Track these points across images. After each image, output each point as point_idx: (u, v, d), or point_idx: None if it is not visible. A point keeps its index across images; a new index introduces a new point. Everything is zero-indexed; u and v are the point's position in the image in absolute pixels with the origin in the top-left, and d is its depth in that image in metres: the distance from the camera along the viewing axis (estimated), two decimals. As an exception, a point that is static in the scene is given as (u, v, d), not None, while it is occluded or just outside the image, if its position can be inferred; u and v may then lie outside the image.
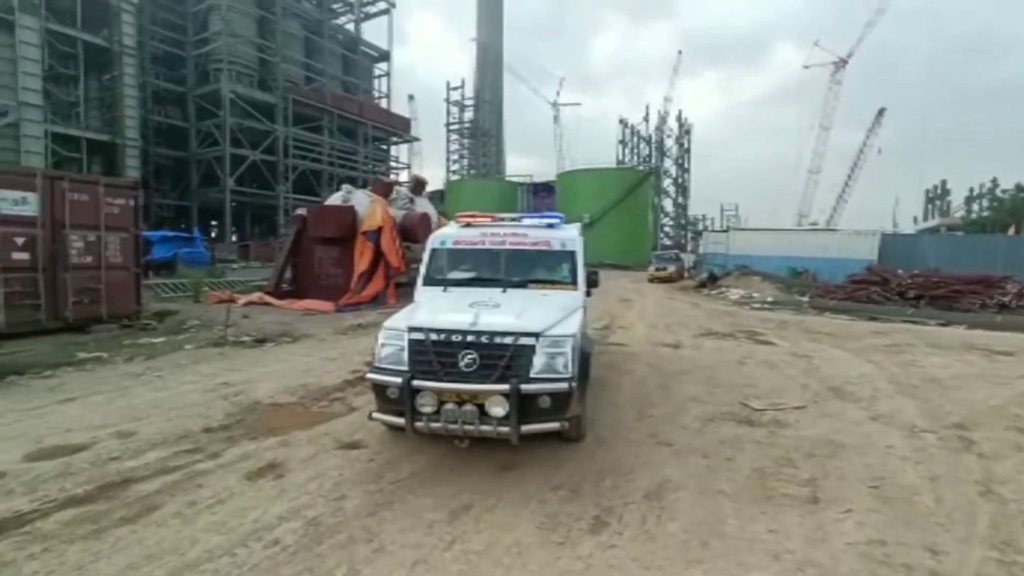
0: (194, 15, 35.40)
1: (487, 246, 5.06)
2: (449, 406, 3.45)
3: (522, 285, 4.77)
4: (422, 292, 4.95)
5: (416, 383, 3.46)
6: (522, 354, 3.58)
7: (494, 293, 4.61)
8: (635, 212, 41.00)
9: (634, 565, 2.60)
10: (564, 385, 3.46)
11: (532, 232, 5.09)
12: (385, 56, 46.62)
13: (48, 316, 8.17)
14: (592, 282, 4.95)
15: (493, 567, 2.57)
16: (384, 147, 48.31)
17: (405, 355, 3.70)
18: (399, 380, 3.47)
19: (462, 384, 3.47)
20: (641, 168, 54.09)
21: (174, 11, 35.13)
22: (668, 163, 66.16)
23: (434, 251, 5.14)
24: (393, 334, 3.80)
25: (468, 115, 67.34)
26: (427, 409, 3.48)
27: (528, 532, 2.89)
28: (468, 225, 5.36)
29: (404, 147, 51.82)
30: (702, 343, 9.04)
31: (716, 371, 6.87)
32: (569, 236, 5.04)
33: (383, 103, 47.52)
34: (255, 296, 12.42)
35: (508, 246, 5.02)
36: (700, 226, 63.54)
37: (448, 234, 5.21)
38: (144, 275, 17.24)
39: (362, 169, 42.38)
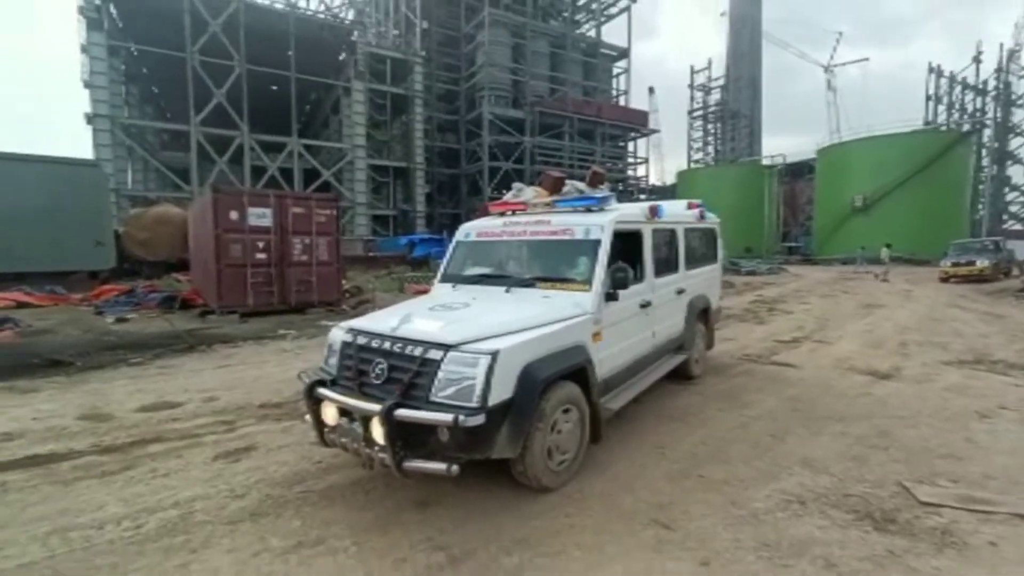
0: (465, 55, 42.14)
1: (505, 238, 4.37)
2: (343, 421, 3.00)
3: (531, 284, 3.90)
4: (435, 289, 4.55)
5: (318, 391, 3.11)
6: (427, 370, 2.85)
7: (487, 293, 3.97)
8: (943, 188, 30.39)
9: None
10: (449, 417, 2.56)
11: (557, 219, 4.16)
12: (624, 54, 46.78)
13: (278, 300, 10.62)
14: (619, 282, 3.63)
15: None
16: (622, 144, 48.06)
17: (336, 358, 3.39)
18: (304, 384, 3.19)
19: (347, 397, 2.97)
20: (957, 127, 39.84)
21: (450, 55, 42.63)
22: (1021, 116, 47.09)
23: (457, 244, 4.70)
24: (339, 333, 3.51)
25: (715, 97, 61.07)
26: (329, 421, 3.09)
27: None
28: (502, 215, 4.74)
29: (642, 141, 50.52)
30: (938, 375, 5.87)
31: (909, 423, 4.32)
32: (598, 222, 3.89)
33: (621, 100, 47.44)
34: (442, 289, 13.75)
35: (526, 237, 4.22)
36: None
37: (474, 226, 4.73)
38: (413, 268, 22.01)
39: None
